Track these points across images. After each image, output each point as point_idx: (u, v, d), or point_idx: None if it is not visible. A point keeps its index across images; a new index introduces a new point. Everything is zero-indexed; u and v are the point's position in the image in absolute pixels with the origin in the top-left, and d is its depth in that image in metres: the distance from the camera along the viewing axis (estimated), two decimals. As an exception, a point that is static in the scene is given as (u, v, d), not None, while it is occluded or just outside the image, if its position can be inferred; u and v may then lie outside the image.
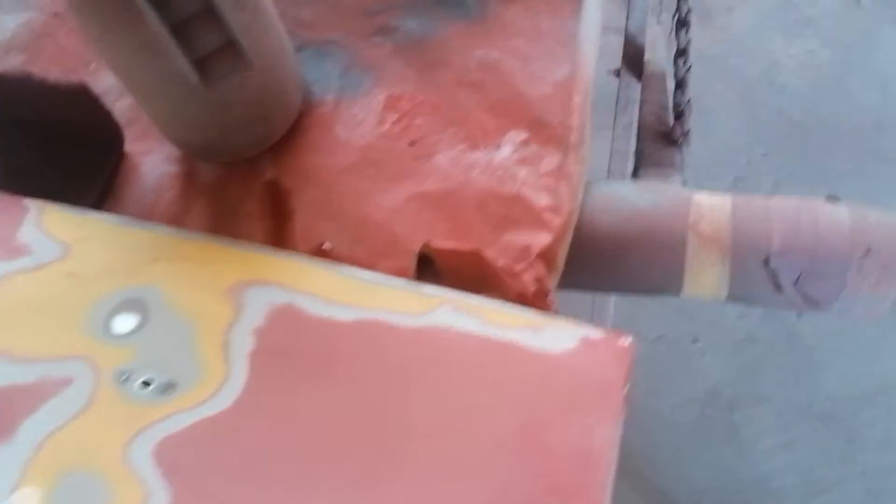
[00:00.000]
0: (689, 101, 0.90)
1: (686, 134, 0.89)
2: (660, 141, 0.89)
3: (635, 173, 0.83)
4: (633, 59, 1.26)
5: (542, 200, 0.65)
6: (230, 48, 0.54)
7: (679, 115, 0.89)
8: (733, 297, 0.67)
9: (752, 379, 1.83)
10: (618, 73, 1.37)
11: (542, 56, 0.71)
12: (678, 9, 0.95)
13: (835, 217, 0.64)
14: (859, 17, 2.12)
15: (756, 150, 2.01)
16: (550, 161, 0.67)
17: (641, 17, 1.39)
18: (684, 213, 0.66)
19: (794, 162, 1.98)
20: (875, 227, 0.63)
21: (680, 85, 0.91)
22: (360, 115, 0.71)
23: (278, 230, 0.67)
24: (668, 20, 2.08)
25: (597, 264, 0.68)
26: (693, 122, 0.94)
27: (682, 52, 0.93)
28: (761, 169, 1.99)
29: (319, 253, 0.66)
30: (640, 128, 0.98)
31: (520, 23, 0.73)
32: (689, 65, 0.92)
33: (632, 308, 1.68)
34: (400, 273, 0.63)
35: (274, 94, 0.65)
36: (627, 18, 1.43)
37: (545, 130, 0.68)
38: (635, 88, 1.20)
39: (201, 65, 0.54)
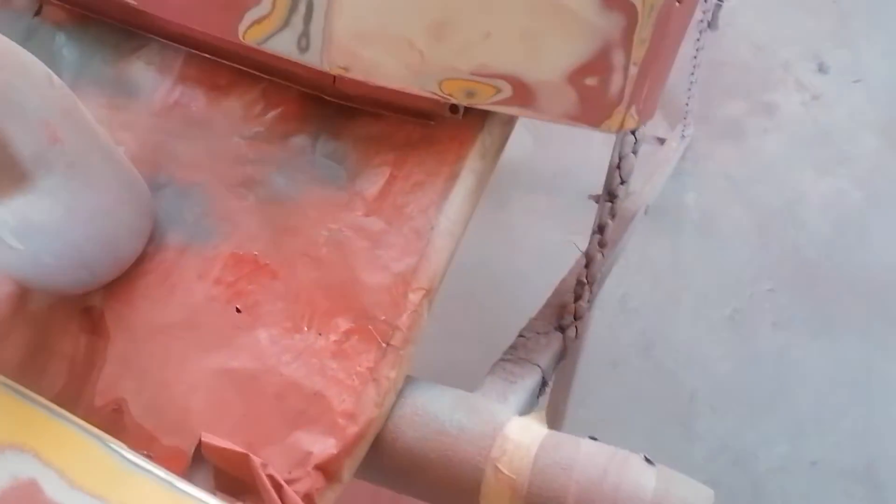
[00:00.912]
0: (594, 283, 0.85)
1: (579, 320, 0.84)
2: (551, 320, 0.85)
3: (500, 359, 0.79)
4: (613, 189, 1.21)
5: (343, 403, 0.63)
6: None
7: (578, 296, 0.85)
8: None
9: (705, 527, 1.74)
10: (597, 200, 1.32)
11: (394, 242, 0.69)
12: (609, 175, 0.91)
13: (639, 485, 0.59)
14: (900, 164, 2.01)
15: (762, 284, 1.92)
16: (366, 360, 0.64)
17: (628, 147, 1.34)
18: (488, 445, 0.62)
19: (800, 305, 1.88)
20: (676, 506, 0.58)
21: (589, 263, 0.86)
22: (199, 269, 0.69)
23: (84, 376, 0.66)
24: (692, 134, 2.01)
25: (396, 475, 0.65)
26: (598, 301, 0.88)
27: (601, 228, 0.88)
28: (763, 305, 1.90)
29: (113, 410, 0.64)
30: (553, 293, 0.93)
31: (384, 201, 0.71)
32: (606, 243, 0.88)
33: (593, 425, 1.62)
34: (177, 455, 0.61)
35: (94, 245, 0.64)
36: (614, 146, 1.39)
37: (370, 325, 0.65)
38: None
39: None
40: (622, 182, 0.92)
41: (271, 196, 0.72)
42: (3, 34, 0.83)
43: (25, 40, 0.83)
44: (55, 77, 0.59)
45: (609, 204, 0.90)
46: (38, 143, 0.56)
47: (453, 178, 0.71)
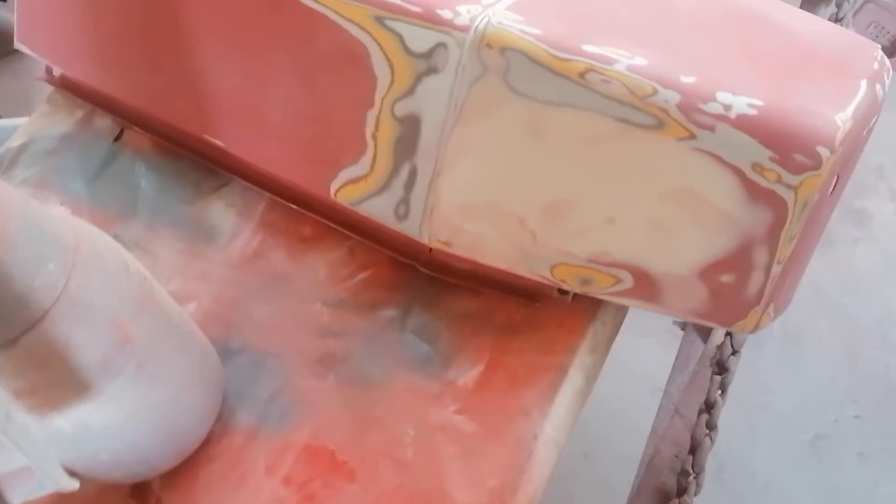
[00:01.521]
0: (699, 474, 0.76)
1: (683, 517, 0.74)
2: (651, 511, 0.75)
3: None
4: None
5: None
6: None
7: (682, 490, 0.75)
8: None
9: None
10: (683, 327, 1.22)
11: (490, 451, 0.60)
12: (723, 345, 0.81)
13: None
14: None
15: (848, 408, 1.78)
16: None
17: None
18: None
19: (889, 435, 1.74)
20: None
21: (695, 449, 0.76)
22: (268, 461, 0.62)
23: (133, 582, 0.59)
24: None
25: None
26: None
27: (709, 406, 0.79)
28: (849, 432, 1.76)
29: None
30: (648, 469, 0.83)
31: (480, 396, 0.63)
32: (715, 425, 0.78)
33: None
34: None
35: (156, 440, 0.57)
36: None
37: (459, 554, 0.57)
38: (698, 347, 1.06)
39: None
40: (734, 352, 0.82)
41: (353, 377, 0.65)
42: (83, 157, 0.79)
43: (104, 167, 0.78)
44: (132, 262, 0.53)
45: (718, 377, 0.81)
46: (108, 348, 0.49)
47: (560, 374, 0.63)
